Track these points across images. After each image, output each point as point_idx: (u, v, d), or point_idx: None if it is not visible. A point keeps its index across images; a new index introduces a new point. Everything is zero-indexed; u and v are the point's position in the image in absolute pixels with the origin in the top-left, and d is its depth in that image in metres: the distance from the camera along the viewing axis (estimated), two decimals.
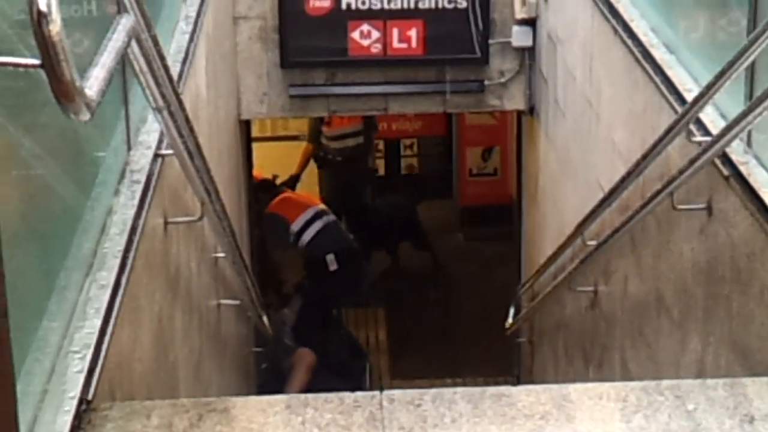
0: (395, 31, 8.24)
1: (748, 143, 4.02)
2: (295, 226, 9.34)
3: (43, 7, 1.92)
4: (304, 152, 11.71)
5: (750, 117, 3.66)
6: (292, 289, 9.71)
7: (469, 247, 12.32)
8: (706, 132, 4.28)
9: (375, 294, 10.85)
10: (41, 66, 1.97)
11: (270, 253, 9.82)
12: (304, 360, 8.52)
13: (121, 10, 3.04)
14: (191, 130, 4.05)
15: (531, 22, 8.23)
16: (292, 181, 11.20)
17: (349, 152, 11.66)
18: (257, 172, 9.77)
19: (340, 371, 9.02)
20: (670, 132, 4.46)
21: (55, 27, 1.93)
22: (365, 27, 8.23)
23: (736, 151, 4.01)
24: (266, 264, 9.71)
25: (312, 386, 8.27)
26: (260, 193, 9.65)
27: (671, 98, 4.70)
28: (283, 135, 12.74)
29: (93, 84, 2.19)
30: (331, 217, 9.52)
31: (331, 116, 10.55)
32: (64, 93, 2.01)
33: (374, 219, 11.42)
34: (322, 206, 9.66)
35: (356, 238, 10.45)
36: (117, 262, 3.17)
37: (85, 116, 2.10)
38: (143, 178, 3.67)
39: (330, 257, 9.26)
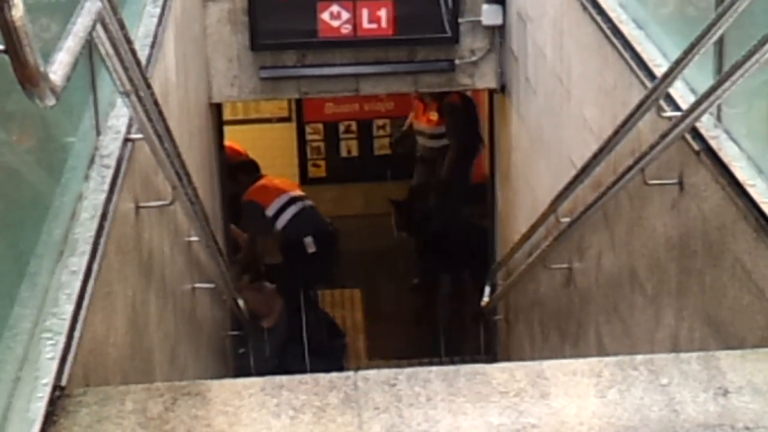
0: (365, 12, 8.22)
1: (718, 117, 4.03)
2: (270, 211, 9.34)
3: None
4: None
5: (719, 91, 3.67)
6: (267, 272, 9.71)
7: None
8: (676, 107, 4.29)
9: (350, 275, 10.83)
10: (4, 51, 1.96)
11: (249, 237, 9.82)
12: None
13: None
14: (161, 114, 4.03)
15: (501, 1, 8.22)
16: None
17: (428, 153, 11.35)
18: (230, 144, 9.74)
19: (319, 352, 9.05)
20: (640, 108, 4.46)
21: (18, 12, 1.92)
22: (335, 8, 8.20)
23: (706, 125, 4.02)
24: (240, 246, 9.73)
25: (291, 367, 8.28)
26: (241, 174, 9.65)
27: (641, 74, 4.70)
28: (255, 118, 12.70)
29: (58, 69, 2.17)
30: (308, 202, 9.51)
31: (419, 107, 10.40)
32: (29, 78, 2.00)
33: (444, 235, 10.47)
34: (298, 191, 9.65)
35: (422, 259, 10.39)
36: (88, 247, 3.15)
37: (51, 101, 2.08)
38: (113, 163, 3.65)
39: (308, 240, 9.25)
